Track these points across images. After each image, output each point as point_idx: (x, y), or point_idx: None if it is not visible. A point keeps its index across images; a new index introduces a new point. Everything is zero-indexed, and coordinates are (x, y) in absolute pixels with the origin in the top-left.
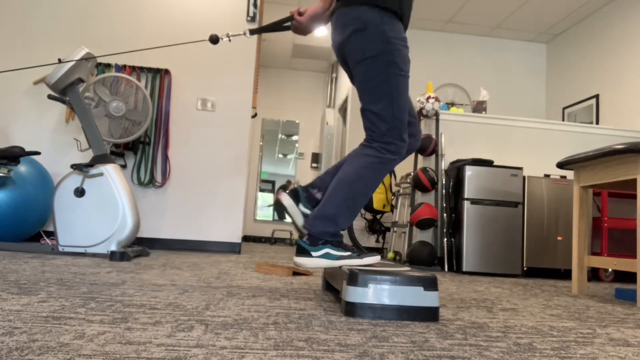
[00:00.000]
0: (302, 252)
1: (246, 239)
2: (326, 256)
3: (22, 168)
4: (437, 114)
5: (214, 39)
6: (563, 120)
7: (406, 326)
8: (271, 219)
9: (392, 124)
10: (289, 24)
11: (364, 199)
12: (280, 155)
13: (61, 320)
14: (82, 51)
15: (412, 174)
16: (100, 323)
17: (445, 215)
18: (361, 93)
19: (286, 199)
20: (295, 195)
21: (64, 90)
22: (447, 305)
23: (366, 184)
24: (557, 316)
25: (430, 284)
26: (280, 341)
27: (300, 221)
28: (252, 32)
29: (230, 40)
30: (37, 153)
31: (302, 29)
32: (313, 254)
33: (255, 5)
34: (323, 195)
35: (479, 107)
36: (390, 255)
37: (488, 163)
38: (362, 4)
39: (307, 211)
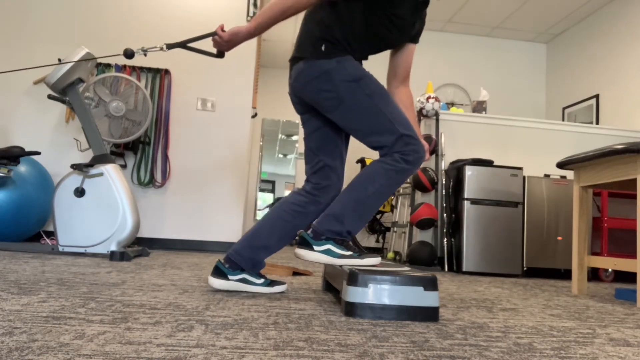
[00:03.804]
0: (305, 244)
1: None
2: (327, 252)
3: (22, 168)
4: (437, 114)
5: (129, 54)
6: (563, 120)
7: (406, 326)
8: None
9: (402, 133)
10: (214, 46)
11: (373, 204)
12: (280, 155)
13: (61, 320)
14: (82, 51)
15: None
16: (100, 323)
17: (445, 215)
18: (358, 133)
19: (217, 282)
20: (218, 271)
21: (64, 90)
22: (447, 305)
23: (377, 189)
24: (557, 316)
25: (430, 284)
26: (280, 341)
27: (256, 289)
28: (169, 46)
29: (145, 55)
30: (37, 153)
31: (223, 45)
32: (315, 247)
33: (255, 5)
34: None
35: (479, 107)
36: (390, 255)
37: (488, 163)
38: (318, 58)
39: (246, 276)
